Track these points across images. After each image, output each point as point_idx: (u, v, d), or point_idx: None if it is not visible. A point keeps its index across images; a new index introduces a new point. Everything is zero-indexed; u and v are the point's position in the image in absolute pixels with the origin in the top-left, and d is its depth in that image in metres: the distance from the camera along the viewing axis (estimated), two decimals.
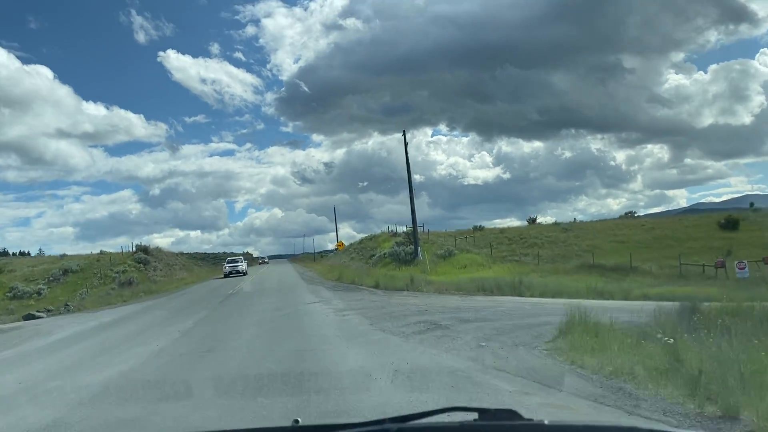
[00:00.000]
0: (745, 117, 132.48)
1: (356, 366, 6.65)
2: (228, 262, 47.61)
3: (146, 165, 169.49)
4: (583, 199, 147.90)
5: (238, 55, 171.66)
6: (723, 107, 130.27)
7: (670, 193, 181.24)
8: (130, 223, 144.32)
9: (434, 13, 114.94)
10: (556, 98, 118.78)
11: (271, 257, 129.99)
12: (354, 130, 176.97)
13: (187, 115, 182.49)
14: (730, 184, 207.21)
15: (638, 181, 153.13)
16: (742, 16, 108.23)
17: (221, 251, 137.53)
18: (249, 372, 6.53)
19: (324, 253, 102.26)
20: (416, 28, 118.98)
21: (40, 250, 57.61)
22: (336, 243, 70.16)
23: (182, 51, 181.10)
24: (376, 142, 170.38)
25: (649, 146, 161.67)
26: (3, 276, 45.15)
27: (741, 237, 37.69)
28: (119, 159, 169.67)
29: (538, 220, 58.42)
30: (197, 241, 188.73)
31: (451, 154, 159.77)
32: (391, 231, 49.53)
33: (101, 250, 53.45)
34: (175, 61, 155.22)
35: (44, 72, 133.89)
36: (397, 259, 37.92)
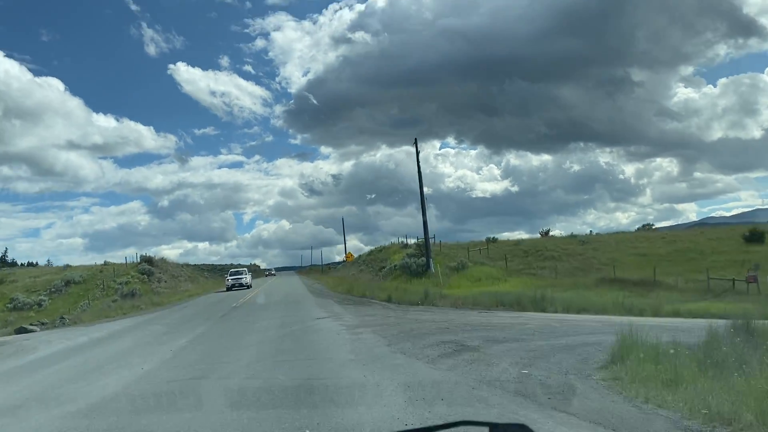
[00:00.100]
0: (754, 131, 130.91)
1: (380, 406, 5.28)
2: (230, 275, 44.87)
3: (155, 177, 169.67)
4: (592, 212, 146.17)
5: (248, 68, 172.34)
6: (732, 121, 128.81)
7: (680, 206, 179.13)
8: (139, 235, 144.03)
9: (442, 26, 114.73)
10: (565, 111, 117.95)
11: (278, 269, 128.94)
12: (362, 142, 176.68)
13: (197, 127, 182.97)
14: (740, 198, 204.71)
15: (647, 195, 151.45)
16: (752, 30, 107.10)
17: (229, 263, 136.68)
18: (243, 415, 5.18)
19: (331, 265, 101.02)
20: (425, 42, 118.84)
21: (48, 260, 56.41)
22: (344, 255, 68.95)
23: (192, 64, 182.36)
24: (384, 155, 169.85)
25: (658, 160, 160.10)
26: (5, 287, 44.15)
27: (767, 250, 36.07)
28: (129, 170, 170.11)
29: (550, 233, 57.22)
30: (205, 252, 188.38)
31: (459, 167, 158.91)
32: (402, 242, 48.14)
33: (105, 261, 52.44)
34: (185, 73, 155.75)
35: (55, 84, 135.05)
36: (409, 272, 36.52)
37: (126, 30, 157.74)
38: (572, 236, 45.70)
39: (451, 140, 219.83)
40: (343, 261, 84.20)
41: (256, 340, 10.75)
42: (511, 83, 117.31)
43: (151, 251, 61.44)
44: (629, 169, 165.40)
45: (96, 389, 6.90)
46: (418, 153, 36.97)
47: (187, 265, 62.06)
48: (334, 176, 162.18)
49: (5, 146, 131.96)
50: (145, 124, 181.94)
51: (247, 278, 43.09)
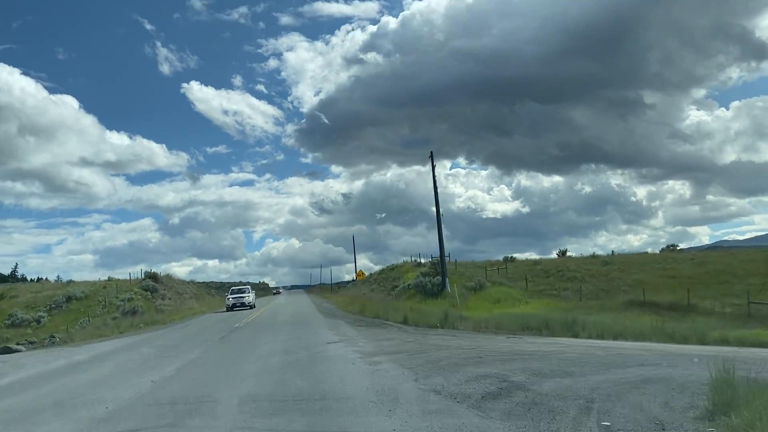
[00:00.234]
0: None
1: None
2: (231, 293, 40.77)
3: (167, 194, 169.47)
4: (603, 234, 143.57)
5: (260, 87, 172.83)
6: (746, 144, 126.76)
7: (692, 230, 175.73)
8: (149, 252, 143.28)
9: (454, 47, 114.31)
10: (576, 133, 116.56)
11: (287, 287, 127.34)
12: (372, 161, 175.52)
13: (209, 145, 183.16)
14: (754, 221, 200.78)
15: (659, 218, 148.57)
16: (764, 53, 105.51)
17: (237, 281, 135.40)
18: None
19: (341, 284, 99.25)
20: (436, 63, 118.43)
21: (57, 276, 55.02)
22: (355, 273, 67.09)
23: (205, 83, 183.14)
24: (395, 174, 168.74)
25: (671, 182, 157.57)
26: (5, 302, 42.65)
27: None
28: (140, 188, 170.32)
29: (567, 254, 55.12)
30: (214, 270, 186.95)
31: (469, 187, 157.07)
32: (415, 261, 46.30)
33: (109, 277, 51.03)
34: (198, 92, 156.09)
35: (70, 102, 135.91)
36: (423, 291, 34.65)
37: (141, 49, 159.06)
38: (594, 256, 43.63)
39: (461, 160, 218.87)
40: (353, 279, 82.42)
41: (254, 370, 9.01)
42: (523, 104, 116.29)
43: (161, 268, 59.90)
44: (641, 192, 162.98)
45: None
46: (433, 166, 35.33)
47: (193, 282, 60.44)
48: (344, 195, 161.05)
49: (19, 162, 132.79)
50: (157, 141, 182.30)
51: (250, 297, 39.61)
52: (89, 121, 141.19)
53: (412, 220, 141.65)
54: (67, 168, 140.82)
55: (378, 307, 24.96)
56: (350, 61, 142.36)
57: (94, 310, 38.91)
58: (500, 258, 46.85)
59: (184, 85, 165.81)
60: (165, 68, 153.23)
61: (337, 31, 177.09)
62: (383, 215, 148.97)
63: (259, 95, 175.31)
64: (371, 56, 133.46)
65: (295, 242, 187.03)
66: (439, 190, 35.39)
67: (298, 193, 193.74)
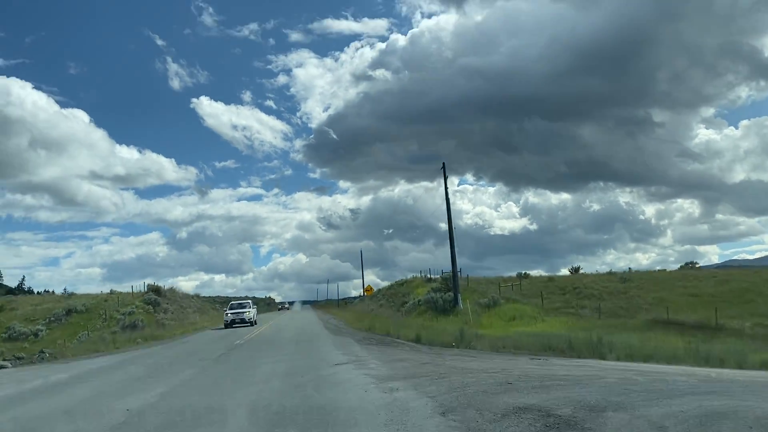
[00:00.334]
0: None
1: None
2: (230, 308, 36.90)
3: (175, 208, 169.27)
4: (612, 252, 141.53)
5: (270, 102, 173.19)
6: (755, 163, 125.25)
7: (701, 248, 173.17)
8: (156, 266, 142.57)
9: (462, 65, 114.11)
10: (585, 151, 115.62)
11: (293, 303, 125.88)
12: (380, 177, 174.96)
13: (217, 160, 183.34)
14: (763, 241, 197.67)
15: (668, 236, 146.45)
16: None
17: (244, 295, 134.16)
18: None
19: (348, 300, 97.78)
20: (444, 80, 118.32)
21: (64, 289, 54.06)
22: (363, 289, 65.64)
23: (215, 98, 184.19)
24: (403, 190, 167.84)
25: (679, 201, 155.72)
26: (3, 315, 41.46)
27: None
28: (149, 202, 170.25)
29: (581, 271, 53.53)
30: (221, 284, 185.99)
31: (477, 204, 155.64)
32: (425, 276, 44.87)
33: (111, 290, 49.87)
34: (208, 107, 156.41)
35: (81, 116, 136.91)
36: (434, 308, 33.22)
37: (151, 64, 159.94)
38: (610, 273, 42.07)
39: (469, 177, 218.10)
40: (361, 295, 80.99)
41: (251, 397, 7.72)
42: (531, 121, 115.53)
43: (168, 282, 58.73)
44: (650, 210, 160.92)
45: None
46: (445, 178, 34.11)
47: (198, 296, 59.21)
48: (352, 210, 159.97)
49: (29, 176, 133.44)
50: (167, 156, 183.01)
51: (250, 313, 35.68)
52: (99, 135, 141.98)
53: (419, 237, 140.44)
54: (76, 181, 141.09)
55: (388, 324, 23.59)
56: (359, 77, 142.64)
57: (94, 323, 37.73)
58: (508, 274, 45.38)
59: (194, 100, 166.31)
60: (175, 83, 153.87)
61: (346, 48, 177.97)
62: (391, 231, 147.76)
63: (268, 111, 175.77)
64: (380, 73, 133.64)
65: (302, 257, 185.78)
66: (446, 207, 34.11)
67: (306, 208, 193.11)
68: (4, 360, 18.31)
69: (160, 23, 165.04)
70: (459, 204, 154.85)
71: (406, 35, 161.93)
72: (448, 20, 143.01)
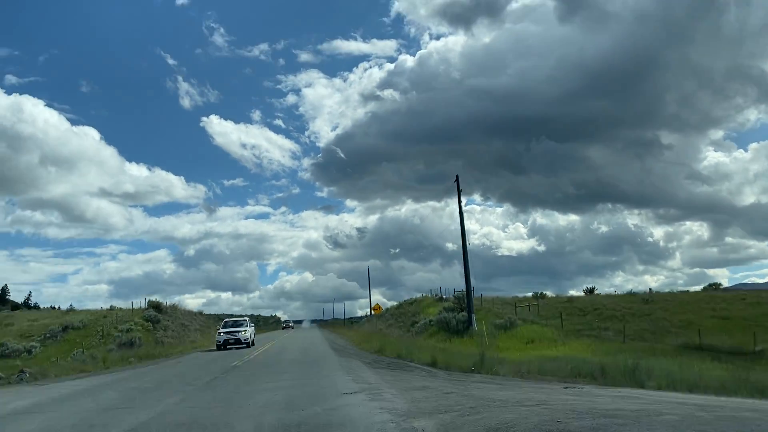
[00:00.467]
0: None
1: None
2: (223, 326, 31.67)
3: (183, 226, 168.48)
4: (620, 274, 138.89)
5: (278, 122, 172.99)
6: (765, 186, 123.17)
7: (711, 272, 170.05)
8: (164, 283, 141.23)
9: (470, 86, 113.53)
10: (593, 172, 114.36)
11: (298, 321, 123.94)
12: (387, 196, 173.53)
13: (226, 178, 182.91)
14: None
15: (677, 259, 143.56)
16: None
17: (250, 313, 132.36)
18: None
19: (354, 319, 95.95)
20: (452, 100, 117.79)
21: (70, 305, 52.72)
22: (370, 308, 63.71)
23: (225, 117, 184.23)
24: (410, 210, 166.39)
25: (688, 223, 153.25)
26: None
27: None
28: (157, 219, 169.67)
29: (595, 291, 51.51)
30: (228, 302, 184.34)
31: (484, 224, 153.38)
32: (436, 295, 43.06)
33: (111, 306, 48.38)
34: (218, 126, 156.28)
35: (91, 133, 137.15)
36: (447, 328, 31.39)
37: (162, 83, 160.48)
38: (631, 294, 40.10)
39: (476, 197, 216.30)
40: (367, 315, 79.04)
41: None
42: (539, 142, 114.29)
43: (174, 300, 57.12)
44: (658, 232, 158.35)
45: None
46: (459, 191, 32.51)
47: (202, 314, 57.47)
48: (358, 229, 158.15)
49: (39, 192, 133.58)
50: (176, 173, 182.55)
51: (247, 332, 30.45)
52: (110, 153, 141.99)
53: (426, 256, 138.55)
54: (86, 198, 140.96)
55: (399, 346, 21.78)
56: (367, 97, 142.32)
57: (90, 341, 36.21)
58: (515, 295, 43.50)
59: (204, 118, 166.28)
60: (186, 102, 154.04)
61: (355, 69, 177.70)
62: (397, 250, 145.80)
63: (277, 129, 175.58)
64: (388, 93, 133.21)
65: (308, 276, 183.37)
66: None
67: (313, 226, 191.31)
68: None
69: (171, 43, 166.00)
70: (466, 224, 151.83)
71: (414, 56, 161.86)
72: (456, 42, 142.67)
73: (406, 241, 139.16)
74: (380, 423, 6.71)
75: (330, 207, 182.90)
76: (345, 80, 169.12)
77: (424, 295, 46.30)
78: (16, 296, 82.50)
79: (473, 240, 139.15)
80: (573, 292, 48.06)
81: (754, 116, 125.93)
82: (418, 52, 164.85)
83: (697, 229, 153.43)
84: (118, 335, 36.13)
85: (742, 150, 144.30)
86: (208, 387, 11.64)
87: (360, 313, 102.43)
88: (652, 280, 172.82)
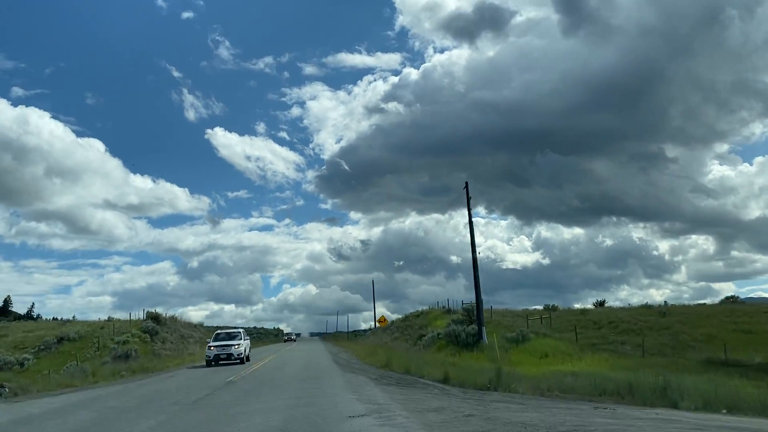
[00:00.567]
0: None
1: None
2: (215, 339, 28.27)
3: (187, 238, 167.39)
4: (625, 288, 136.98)
5: (283, 134, 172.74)
6: None
7: (716, 285, 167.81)
8: (167, 295, 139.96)
9: (474, 99, 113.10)
10: (597, 185, 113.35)
11: (298, 334, 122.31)
12: (391, 209, 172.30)
13: (230, 190, 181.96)
14: None
15: (682, 273, 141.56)
16: None
17: (253, 326, 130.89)
18: None
19: (357, 332, 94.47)
20: (456, 113, 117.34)
21: (73, 317, 51.65)
22: (374, 320, 62.25)
23: (229, 129, 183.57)
24: (414, 222, 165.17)
25: (694, 237, 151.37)
26: None
27: None
28: (161, 231, 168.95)
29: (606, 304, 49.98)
30: (231, 315, 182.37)
31: (489, 237, 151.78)
32: (443, 307, 41.63)
33: (109, 317, 47.13)
34: (222, 138, 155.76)
35: (96, 145, 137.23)
36: (456, 342, 29.98)
37: (168, 95, 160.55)
38: (647, 306, 38.60)
39: (481, 210, 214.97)
40: (371, 327, 77.54)
41: None
42: (543, 155, 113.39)
43: (177, 312, 55.81)
44: (663, 246, 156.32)
45: None
46: (468, 198, 31.23)
47: (201, 325, 56.07)
48: (362, 242, 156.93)
49: (44, 204, 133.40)
50: (180, 185, 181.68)
51: (240, 347, 27.07)
52: (114, 164, 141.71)
53: (430, 269, 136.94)
54: (90, 210, 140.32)
55: (407, 360, 20.42)
56: (371, 110, 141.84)
57: (85, 353, 34.96)
58: (523, 308, 42.09)
59: (209, 131, 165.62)
60: (191, 114, 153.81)
61: (359, 81, 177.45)
62: (401, 263, 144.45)
63: (281, 142, 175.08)
64: (392, 106, 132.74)
65: (312, 288, 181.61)
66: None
67: (317, 238, 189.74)
68: None
69: (177, 55, 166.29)
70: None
71: (418, 69, 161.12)
72: (460, 55, 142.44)
73: (410, 254, 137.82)
74: None
75: (334, 219, 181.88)
76: (349, 93, 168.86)
77: (431, 307, 44.87)
78: (20, 308, 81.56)
79: (477, 253, 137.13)
80: (578, 305, 46.50)
81: (759, 130, 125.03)
82: (423, 65, 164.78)
83: (702, 242, 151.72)
84: (114, 347, 34.85)
85: (747, 164, 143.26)
86: (195, 407, 10.33)
87: (364, 326, 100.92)
88: (657, 294, 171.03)
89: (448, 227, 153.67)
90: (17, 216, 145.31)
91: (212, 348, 26.84)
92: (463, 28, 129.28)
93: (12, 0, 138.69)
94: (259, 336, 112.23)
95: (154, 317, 42.69)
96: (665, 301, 42.73)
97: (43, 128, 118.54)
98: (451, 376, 15.96)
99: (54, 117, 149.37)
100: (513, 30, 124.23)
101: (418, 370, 17.50)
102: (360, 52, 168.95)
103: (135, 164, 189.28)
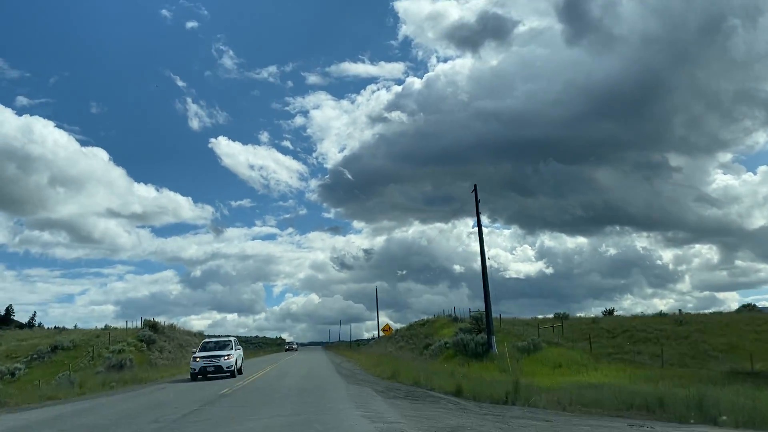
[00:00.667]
0: None
1: None
2: (201, 349, 24.95)
3: (190, 247, 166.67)
4: (629, 297, 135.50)
5: (286, 143, 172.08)
6: None
7: (721, 295, 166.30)
8: (170, 304, 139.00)
9: (477, 108, 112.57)
10: (601, 194, 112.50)
11: (304, 344, 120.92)
12: (394, 218, 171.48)
13: (233, 199, 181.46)
14: None
15: (686, 282, 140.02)
16: None
17: (255, 335, 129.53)
18: None
19: (360, 341, 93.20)
20: (459, 122, 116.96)
21: (75, 326, 50.58)
22: (378, 329, 60.88)
23: (233, 138, 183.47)
24: (417, 231, 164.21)
25: (697, 246, 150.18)
26: None
27: None
28: (165, 240, 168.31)
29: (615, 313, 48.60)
30: (233, 324, 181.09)
31: (492, 246, 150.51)
32: (449, 315, 40.29)
33: (105, 325, 45.93)
34: (226, 147, 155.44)
35: (100, 154, 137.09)
36: (464, 351, 28.63)
37: (172, 104, 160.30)
38: (661, 314, 37.20)
39: (484, 219, 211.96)
40: (374, 337, 76.11)
41: None
42: (546, 165, 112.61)
43: (180, 321, 54.74)
44: (667, 255, 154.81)
45: None
46: (477, 202, 29.99)
47: (201, 334, 54.73)
48: (365, 251, 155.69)
49: (48, 212, 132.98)
50: (183, 194, 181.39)
51: (231, 358, 23.52)
52: (118, 173, 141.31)
53: (433, 278, 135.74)
54: (93, 219, 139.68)
55: (415, 371, 19.11)
56: (375, 119, 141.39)
57: (79, 362, 33.69)
58: (559, 313, 40.67)
59: (212, 140, 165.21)
60: (194, 123, 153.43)
61: (362, 91, 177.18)
62: (404, 272, 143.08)
63: (284, 151, 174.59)
64: (395, 115, 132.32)
65: (314, 297, 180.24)
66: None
67: (320, 248, 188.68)
68: None
69: (181, 65, 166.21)
70: (474, 246, 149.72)
71: (422, 78, 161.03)
72: (463, 64, 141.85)
73: (413, 263, 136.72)
74: None
75: (337, 228, 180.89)
76: (353, 102, 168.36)
77: (437, 315, 43.53)
78: (22, 317, 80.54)
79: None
80: (581, 314, 45.12)
81: (762, 139, 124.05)
82: (426, 75, 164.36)
83: (706, 252, 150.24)
84: (108, 357, 33.54)
85: (751, 173, 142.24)
86: (179, 425, 9.08)
87: (366, 335, 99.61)
88: (661, 304, 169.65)
89: (451, 236, 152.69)
90: (21, 225, 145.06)
91: (198, 359, 23.39)
92: (466, 38, 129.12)
93: (16, 10, 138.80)
94: (261, 345, 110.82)
95: (152, 325, 41.44)
96: (679, 309, 41.35)
97: (48, 137, 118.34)
98: (465, 388, 14.66)
99: (58, 126, 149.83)
100: (516, 39, 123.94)
101: (428, 381, 16.19)
102: (363, 62, 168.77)
103: (136, 172, 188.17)
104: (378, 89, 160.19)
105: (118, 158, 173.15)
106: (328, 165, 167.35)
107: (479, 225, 29.61)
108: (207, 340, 28.05)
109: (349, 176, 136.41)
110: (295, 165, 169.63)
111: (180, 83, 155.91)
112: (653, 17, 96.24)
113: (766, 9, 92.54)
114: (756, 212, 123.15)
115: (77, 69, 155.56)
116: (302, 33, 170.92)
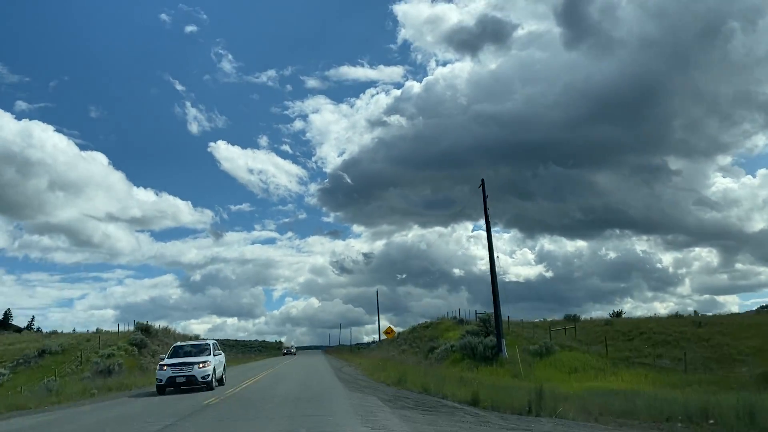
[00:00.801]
0: None
1: None
2: (171, 356, 19.67)
3: (190, 251, 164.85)
4: (629, 301, 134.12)
5: (286, 147, 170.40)
6: None
7: (721, 298, 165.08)
8: (169, 308, 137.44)
9: (476, 111, 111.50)
10: (600, 198, 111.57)
11: (304, 348, 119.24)
12: (394, 222, 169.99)
13: (233, 203, 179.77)
14: None
15: (686, 285, 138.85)
16: None
17: (254, 339, 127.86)
18: None
19: (360, 345, 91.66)
20: (458, 126, 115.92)
21: (73, 330, 49.10)
22: (379, 332, 59.13)
23: (232, 142, 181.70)
24: (416, 235, 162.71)
25: (697, 249, 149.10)
26: None
27: None
28: (164, 244, 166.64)
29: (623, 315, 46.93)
30: (233, 328, 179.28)
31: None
32: (455, 318, 38.60)
33: (97, 328, 44.34)
34: (225, 151, 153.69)
35: (100, 158, 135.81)
36: (472, 355, 27.00)
37: (171, 108, 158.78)
38: (678, 316, 35.52)
39: (483, 222, 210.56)
40: (375, 340, 74.41)
41: None
42: (546, 168, 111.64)
43: (180, 325, 53.21)
44: (667, 258, 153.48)
45: None
46: (485, 197, 28.39)
47: (197, 337, 53.02)
48: (365, 255, 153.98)
49: (47, 217, 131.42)
50: (183, 198, 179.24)
51: (207, 366, 18.77)
52: (117, 177, 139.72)
53: (433, 282, 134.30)
54: (93, 223, 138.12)
55: (424, 376, 17.40)
56: (374, 123, 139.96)
57: (66, 367, 32.08)
58: (570, 315, 39.03)
59: (212, 144, 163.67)
60: (194, 127, 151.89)
61: (361, 95, 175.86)
62: (404, 276, 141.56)
63: (284, 155, 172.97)
64: (395, 119, 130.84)
65: (314, 301, 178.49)
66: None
67: (319, 252, 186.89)
68: None
69: (180, 69, 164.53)
70: (473, 250, 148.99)
71: (421, 82, 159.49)
72: (462, 68, 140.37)
73: (412, 267, 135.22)
74: None
75: (336, 232, 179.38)
76: (352, 106, 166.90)
77: (441, 318, 41.84)
78: (21, 321, 78.92)
79: (480, 266, 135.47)
80: (609, 315, 43.50)
81: (762, 142, 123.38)
82: (425, 78, 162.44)
83: (706, 255, 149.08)
84: (96, 361, 31.87)
85: (750, 176, 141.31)
86: None
87: (366, 339, 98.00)
88: (661, 307, 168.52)
89: (450, 240, 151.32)
90: (20, 229, 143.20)
91: (165, 367, 18.59)
92: (465, 41, 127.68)
93: (16, 14, 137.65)
94: (260, 349, 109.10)
95: (144, 329, 39.85)
96: (695, 311, 39.66)
97: (47, 141, 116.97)
98: (482, 396, 12.98)
99: (57, 130, 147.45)
100: (515, 43, 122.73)
101: (439, 388, 14.50)
102: (362, 66, 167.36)
103: (135, 176, 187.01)
104: (377, 93, 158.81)
105: (117, 162, 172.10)
106: (328, 169, 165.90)
107: (487, 221, 28.05)
108: (179, 343, 23.10)
109: (349, 180, 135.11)
110: (295, 169, 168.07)
111: (179, 87, 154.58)
112: (652, 20, 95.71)
113: (765, 12, 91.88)
114: (756, 215, 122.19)
115: (76, 73, 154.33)
116: (301, 37, 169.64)
